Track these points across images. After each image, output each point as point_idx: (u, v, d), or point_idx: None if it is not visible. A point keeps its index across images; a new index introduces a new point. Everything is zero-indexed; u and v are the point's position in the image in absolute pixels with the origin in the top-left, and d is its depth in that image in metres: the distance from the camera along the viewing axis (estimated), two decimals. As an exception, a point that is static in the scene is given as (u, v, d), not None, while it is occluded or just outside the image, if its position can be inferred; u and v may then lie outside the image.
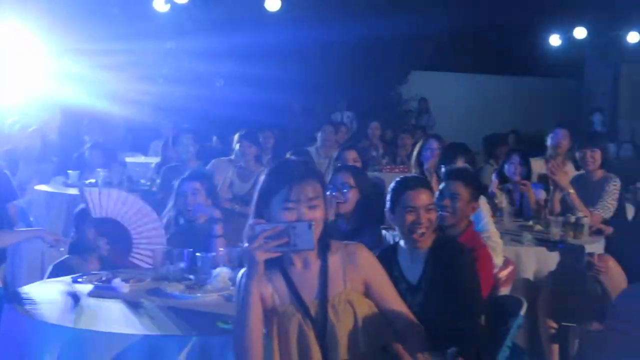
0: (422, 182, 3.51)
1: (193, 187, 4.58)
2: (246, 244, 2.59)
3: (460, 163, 5.16)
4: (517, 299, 3.69)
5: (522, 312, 3.56)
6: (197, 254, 3.96)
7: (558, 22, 18.75)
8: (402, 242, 3.45)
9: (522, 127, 13.22)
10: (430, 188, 3.48)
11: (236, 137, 7.12)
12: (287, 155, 6.36)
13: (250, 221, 2.63)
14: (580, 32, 18.48)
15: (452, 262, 3.34)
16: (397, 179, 3.59)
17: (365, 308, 2.77)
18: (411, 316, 2.88)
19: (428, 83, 18.41)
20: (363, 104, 15.03)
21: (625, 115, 21.28)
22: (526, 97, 20.37)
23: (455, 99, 18.84)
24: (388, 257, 3.49)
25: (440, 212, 3.85)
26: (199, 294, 3.66)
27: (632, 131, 18.88)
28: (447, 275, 3.32)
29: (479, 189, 4.29)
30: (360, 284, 2.80)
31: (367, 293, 2.82)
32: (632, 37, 18.15)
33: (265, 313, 2.71)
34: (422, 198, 3.37)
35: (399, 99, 18.09)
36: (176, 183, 4.73)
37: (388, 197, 3.50)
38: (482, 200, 4.07)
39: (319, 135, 8.16)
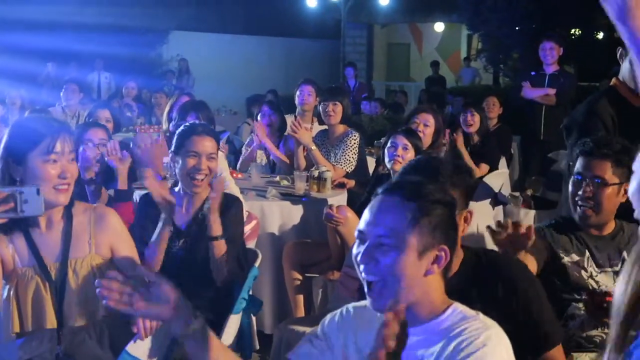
0: (208, 130, 3.53)
1: None
2: None
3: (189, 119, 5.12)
4: (253, 251, 3.75)
5: (257, 264, 3.61)
6: None
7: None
8: (178, 187, 3.47)
9: (284, 87, 13.44)
10: (215, 136, 3.51)
11: None
12: (26, 114, 6.16)
13: None
14: (334, -6, 18.90)
15: (223, 215, 3.37)
16: (187, 123, 3.62)
17: None
18: None
19: (189, 43, 18.25)
20: (121, 65, 14.55)
21: (380, 75, 22.44)
22: (289, 58, 20.81)
23: (217, 60, 18.81)
24: None
25: None
26: None
27: (386, 90, 19.94)
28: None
29: None
30: (106, 249, 2.78)
31: (113, 258, 2.80)
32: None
33: (6, 275, 2.67)
34: (206, 145, 3.42)
35: (159, 59, 17.78)
36: None
37: (174, 140, 3.50)
38: (220, 156, 4.05)
39: (62, 94, 7.87)
